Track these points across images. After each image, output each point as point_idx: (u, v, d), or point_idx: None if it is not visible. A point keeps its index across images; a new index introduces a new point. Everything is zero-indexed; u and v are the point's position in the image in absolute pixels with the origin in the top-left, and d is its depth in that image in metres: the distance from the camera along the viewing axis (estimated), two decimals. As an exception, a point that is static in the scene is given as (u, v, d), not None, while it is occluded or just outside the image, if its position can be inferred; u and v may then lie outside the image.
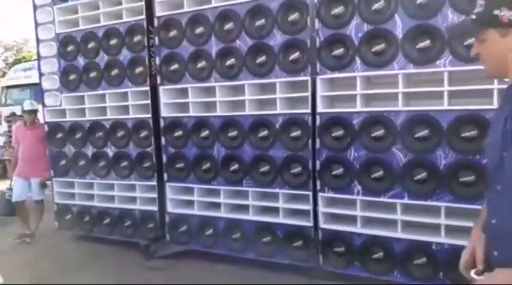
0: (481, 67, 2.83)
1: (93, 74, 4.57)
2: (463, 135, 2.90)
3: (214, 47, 3.84)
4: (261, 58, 3.63)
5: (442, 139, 2.98)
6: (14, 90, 10.38)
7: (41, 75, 4.92)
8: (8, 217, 4.96)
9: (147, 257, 4.15)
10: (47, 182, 5.01)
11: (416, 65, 3.06)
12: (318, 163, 3.46)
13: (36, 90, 6.22)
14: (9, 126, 8.92)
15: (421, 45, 3.02)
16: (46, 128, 4.92)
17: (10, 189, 5.03)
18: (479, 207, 2.86)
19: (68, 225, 4.89)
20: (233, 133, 3.82)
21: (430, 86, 3.06)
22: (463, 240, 2.95)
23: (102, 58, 4.48)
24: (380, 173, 3.26)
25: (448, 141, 2.96)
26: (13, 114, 8.93)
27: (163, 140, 4.20)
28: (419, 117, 3.07)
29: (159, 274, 3.85)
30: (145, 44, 4.17)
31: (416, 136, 3.08)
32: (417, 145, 3.09)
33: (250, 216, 3.81)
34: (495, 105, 2.77)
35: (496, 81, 2.76)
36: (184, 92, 4.09)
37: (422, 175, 3.08)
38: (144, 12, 4.12)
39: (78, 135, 4.76)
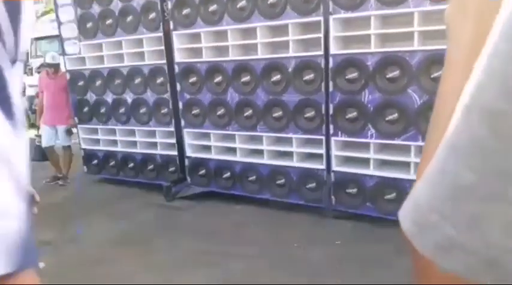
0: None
1: (108, 21, 4.56)
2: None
3: (225, -12, 3.72)
4: (273, -1, 3.51)
5: (458, 79, 2.87)
6: (42, 41, 10.54)
7: (59, 23, 4.95)
8: (40, 162, 5.25)
9: (170, 198, 4.36)
10: (73, 129, 5.21)
11: (433, 2, 2.89)
12: (331, 106, 3.43)
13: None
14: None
15: (440, -22, 2.83)
16: (68, 76, 5.04)
17: (39, 136, 5.29)
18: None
19: (95, 169, 5.15)
20: (246, 78, 3.81)
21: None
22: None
23: (117, 5, 4.44)
24: (395, 115, 3.22)
25: (464, 81, 2.85)
26: (43, 65, 9.12)
27: (178, 86, 4.24)
28: (435, 57, 2.95)
29: (181, 213, 4.07)
30: (157, -13, 4.10)
31: (432, 76, 2.99)
32: (433, 85, 3.00)
33: (265, 160, 3.89)
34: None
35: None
36: (197, 37, 4.05)
37: (437, 117, 3.01)
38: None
39: (98, 82, 4.86)
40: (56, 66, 5.10)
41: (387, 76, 3.18)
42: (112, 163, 5.00)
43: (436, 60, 2.96)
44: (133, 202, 4.42)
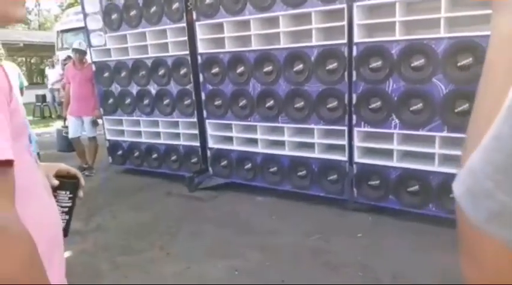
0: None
1: (133, 12, 4.62)
2: (511, 62, 2.66)
3: (247, -24, 3.70)
4: (295, -13, 3.46)
5: (487, 67, 2.76)
6: (68, 34, 10.78)
7: (85, 15, 5.04)
8: (66, 153, 5.38)
9: (192, 188, 4.39)
10: (98, 120, 5.32)
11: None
12: (354, 96, 3.37)
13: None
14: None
15: (470, -38, 2.72)
16: (93, 68, 5.14)
17: (66, 127, 5.43)
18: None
19: (120, 160, 5.25)
20: (268, 68, 3.78)
21: (475, 10, 2.78)
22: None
23: (140, -5, 4.49)
24: (419, 105, 3.13)
25: (493, 69, 2.73)
26: (69, 57, 9.35)
27: (201, 77, 4.25)
28: (462, 44, 2.85)
29: (203, 204, 4.09)
30: (180, -23, 4.11)
31: (459, 64, 2.88)
32: (460, 74, 2.90)
33: (286, 151, 3.86)
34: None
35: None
36: (219, 27, 4.04)
37: (464, 106, 2.91)
38: None
39: (123, 74, 4.93)
40: (82, 53, 5.20)
41: (412, 64, 3.09)
42: (136, 153, 5.08)
43: (462, 47, 2.86)
44: (156, 192, 4.48)
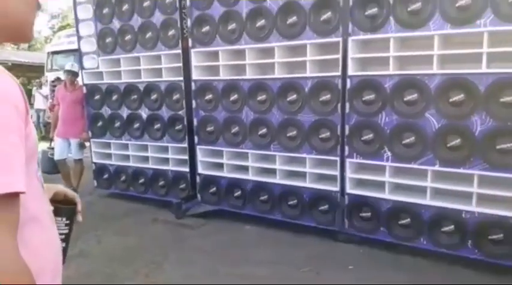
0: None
1: (128, 37, 4.64)
2: (502, 99, 2.74)
3: (244, 7, 3.77)
4: (292, 19, 3.54)
5: (478, 104, 2.83)
6: (58, 55, 10.76)
7: (79, 38, 5.04)
8: (51, 174, 5.25)
9: (179, 215, 4.30)
10: (85, 143, 5.24)
11: (454, 25, 2.88)
12: (347, 128, 3.40)
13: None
14: (53, 90, 9.31)
15: (461, 3, 2.83)
16: (84, 90, 5.10)
17: (51, 148, 5.32)
18: (514, 175, 2.76)
19: (106, 184, 5.14)
20: (262, 97, 3.81)
21: (468, 48, 2.88)
22: (495, 209, 2.88)
23: (136, 21, 4.52)
24: (411, 139, 3.16)
25: (485, 106, 2.81)
26: (58, 79, 9.30)
27: (194, 103, 4.25)
28: (454, 81, 2.92)
29: (190, 231, 4.00)
30: (177, 5, 4.16)
31: (451, 100, 2.95)
32: (452, 110, 2.96)
33: (278, 180, 3.84)
34: (539, 67, 2.59)
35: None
36: (215, 55, 4.08)
37: (456, 141, 2.96)
38: (176, -28, 4.10)
39: (114, 97, 4.90)
40: (75, 74, 5.16)
41: (405, 99, 3.15)
42: (123, 178, 4.99)
43: (454, 84, 2.93)
44: (142, 218, 4.37)
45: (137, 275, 3.09)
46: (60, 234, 1.07)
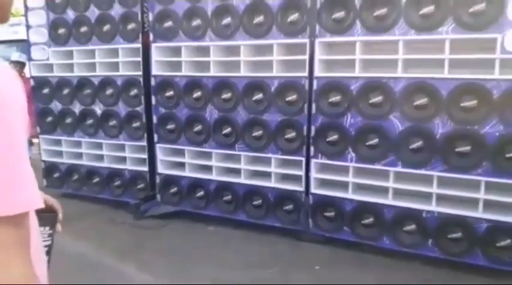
0: (484, 35, 2.79)
1: (83, 29, 4.38)
2: (462, 104, 2.87)
3: (210, 4, 3.68)
4: (259, 19, 3.50)
5: (440, 107, 2.95)
6: (0, 45, 10.00)
7: (28, 27, 4.68)
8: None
9: (137, 217, 4.14)
10: (33, 140, 4.90)
11: (418, 31, 2.98)
12: (313, 128, 3.42)
13: (24, 46, 5.96)
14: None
15: (425, 10, 2.93)
16: (32, 83, 4.75)
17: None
18: (472, 177, 2.91)
19: (56, 183, 4.83)
20: (227, 95, 3.74)
21: (431, 53, 2.99)
22: (454, 209, 3.02)
23: (93, 12, 4.28)
24: (375, 140, 3.24)
25: (447, 110, 2.93)
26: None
27: (154, 99, 4.09)
28: (418, 85, 3.02)
29: (149, 233, 3.86)
30: (138, -2, 3.99)
31: (414, 104, 3.04)
32: (415, 113, 3.06)
33: (242, 180, 3.80)
34: (496, 75, 2.74)
35: (498, 50, 2.72)
36: (177, 51, 3.95)
37: (418, 143, 3.07)
38: (137, -36, 3.92)
39: (65, 91, 4.61)
40: (21, 65, 4.80)
41: (370, 101, 3.21)
42: (75, 177, 4.71)
43: (418, 88, 3.03)
44: (98, 220, 4.16)
45: (93, 281, 2.91)
46: (44, 246, 0.96)
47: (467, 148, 2.89)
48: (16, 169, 0.64)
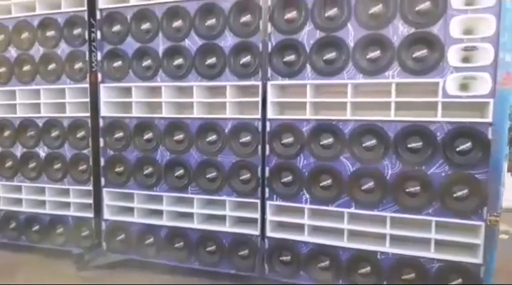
0: (427, 80, 2.92)
1: (26, 67, 4.19)
2: (409, 145, 2.95)
3: (161, 44, 3.65)
4: (211, 60, 3.50)
5: (388, 149, 3.02)
6: None
7: (-36, 65, 4.42)
8: None
9: (81, 267, 3.84)
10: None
11: (365, 75, 3.08)
12: (267, 169, 3.38)
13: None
14: None
15: (371, 55, 3.04)
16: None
17: None
18: (423, 217, 2.95)
19: (-10, 232, 4.43)
20: (179, 137, 3.65)
21: (378, 97, 3.09)
22: (407, 249, 3.03)
23: (38, 51, 4.12)
24: (328, 181, 3.24)
25: (394, 151, 3.00)
26: None
27: (101, 141, 3.92)
28: (367, 127, 3.09)
29: (93, 285, 3.58)
30: (86, 38, 3.88)
31: (364, 145, 3.10)
32: (365, 154, 3.11)
33: (195, 224, 3.65)
34: (439, 117, 2.86)
35: (440, 94, 2.85)
36: (127, 91, 3.85)
37: (370, 184, 3.10)
38: (86, 3, 3.84)
39: (6, 133, 4.33)
40: None
41: (321, 142, 3.24)
42: (13, 225, 4.35)
43: (366, 130, 3.09)
44: (36, 271, 3.80)
45: None
46: None
47: (417, 188, 2.95)
48: None
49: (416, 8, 2.88)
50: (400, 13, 2.93)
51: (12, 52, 4.22)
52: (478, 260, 2.86)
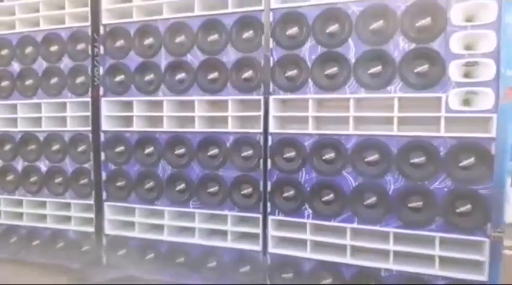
0: (430, 94, 2.92)
1: (29, 81, 4.21)
2: (412, 160, 2.93)
3: (163, 59, 3.67)
4: (213, 75, 3.51)
5: (391, 164, 3.00)
6: None
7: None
8: None
9: (81, 282, 3.80)
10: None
11: (367, 90, 3.08)
12: (269, 184, 3.36)
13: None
14: None
15: (373, 70, 3.05)
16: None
17: None
18: (427, 233, 2.92)
19: (-10, 247, 4.40)
20: (180, 151, 3.64)
21: (381, 111, 3.09)
22: (411, 266, 3.00)
23: (41, 65, 4.14)
24: (330, 196, 3.22)
25: (397, 166, 2.98)
26: None
27: (103, 155, 3.91)
28: (369, 142, 3.08)
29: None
30: (89, 52, 3.91)
31: (366, 160, 3.08)
32: (367, 169, 3.09)
33: (196, 239, 3.62)
34: (442, 132, 2.85)
35: (443, 108, 2.84)
36: (128, 105, 3.86)
37: (372, 199, 3.07)
38: (90, 19, 3.88)
39: (7, 147, 4.34)
40: None
41: (323, 157, 3.22)
42: (13, 239, 4.32)
43: (369, 145, 3.08)
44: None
45: None
46: None
47: (420, 203, 2.93)
48: None
49: (417, 24, 2.89)
50: (400, 29, 2.94)
51: (15, 67, 4.24)
52: (483, 277, 2.82)
